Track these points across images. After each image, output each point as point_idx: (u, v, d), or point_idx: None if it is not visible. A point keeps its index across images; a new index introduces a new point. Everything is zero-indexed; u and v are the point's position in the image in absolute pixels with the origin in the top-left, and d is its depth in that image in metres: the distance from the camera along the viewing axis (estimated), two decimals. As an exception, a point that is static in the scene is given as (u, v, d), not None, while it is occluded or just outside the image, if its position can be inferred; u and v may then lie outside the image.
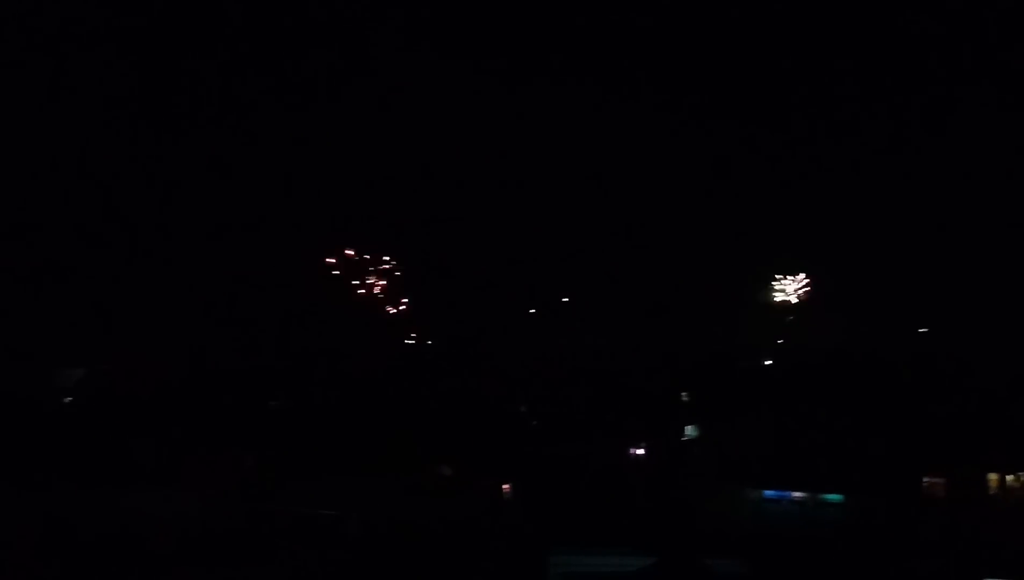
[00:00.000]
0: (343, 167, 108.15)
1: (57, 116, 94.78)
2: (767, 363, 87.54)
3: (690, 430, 64.45)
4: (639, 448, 60.82)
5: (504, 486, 54.50)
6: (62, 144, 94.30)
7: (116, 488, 49.34)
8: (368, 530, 47.77)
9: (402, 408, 63.53)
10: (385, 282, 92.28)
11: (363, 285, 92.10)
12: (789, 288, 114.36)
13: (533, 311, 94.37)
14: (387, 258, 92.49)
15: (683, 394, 71.42)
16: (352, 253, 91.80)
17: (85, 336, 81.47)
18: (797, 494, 51.83)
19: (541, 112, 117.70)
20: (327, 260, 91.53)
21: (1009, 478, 50.47)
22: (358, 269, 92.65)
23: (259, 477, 53.96)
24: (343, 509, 48.58)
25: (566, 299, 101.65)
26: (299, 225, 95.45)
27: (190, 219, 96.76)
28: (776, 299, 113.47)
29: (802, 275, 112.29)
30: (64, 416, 69.21)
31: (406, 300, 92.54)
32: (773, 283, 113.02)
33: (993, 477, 50.32)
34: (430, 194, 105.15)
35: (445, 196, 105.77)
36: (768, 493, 52.36)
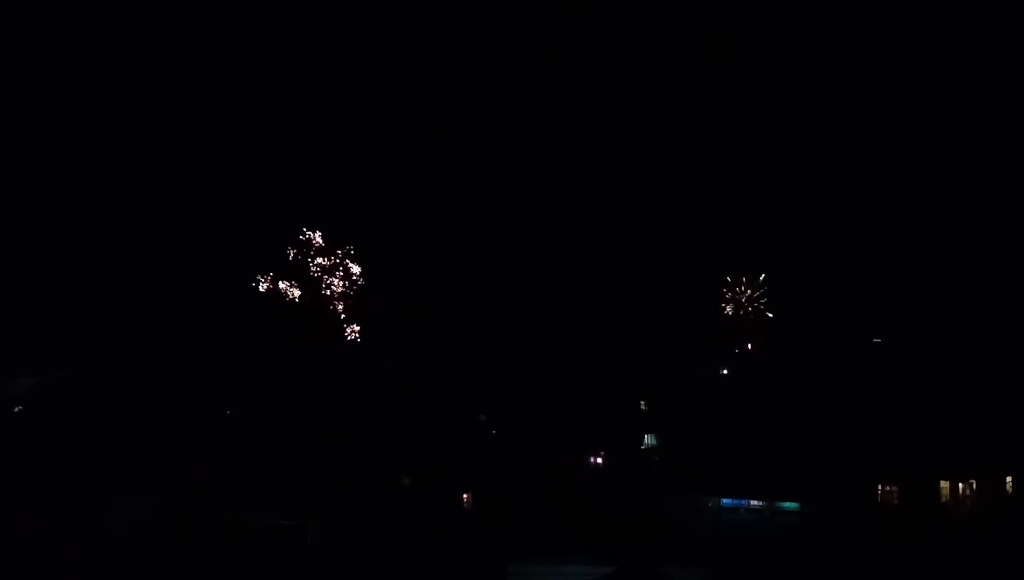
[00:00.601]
0: (306, 168, 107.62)
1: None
2: (724, 372, 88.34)
3: (649, 438, 64.75)
4: (598, 456, 60.97)
5: (464, 494, 54.36)
6: (17, 152, 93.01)
7: (69, 498, 48.48)
8: (327, 539, 47.39)
9: (361, 417, 63.15)
10: (345, 288, 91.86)
11: (322, 291, 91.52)
12: (744, 297, 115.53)
13: (493, 320, 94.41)
14: (347, 263, 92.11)
15: (642, 402, 71.78)
16: (310, 254, 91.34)
17: (37, 344, 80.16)
18: (754, 502, 52.22)
19: (500, 122, 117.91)
20: (287, 260, 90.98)
21: (961, 486, 51.32)
22: (317, 273, 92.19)
23: (216, 487, 53.30)
24: (302, 518, 48.13)
25: (525, 308, 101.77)
26: (260, 230, 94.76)
27: (145, 228, 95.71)
28: (732, 308, 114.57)
29: (758, 282, 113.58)
30: (14, 426, 67.99)
31: (364, 308, 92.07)
32: (729, 291, 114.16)
33: (945, 485, 51.09)
34: (392, 200, 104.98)
35: (407, 203, 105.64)
36: (726, 501, 52.70)
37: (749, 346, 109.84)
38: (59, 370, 76.47)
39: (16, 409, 72.77)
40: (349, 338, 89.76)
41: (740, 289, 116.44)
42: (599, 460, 60.84)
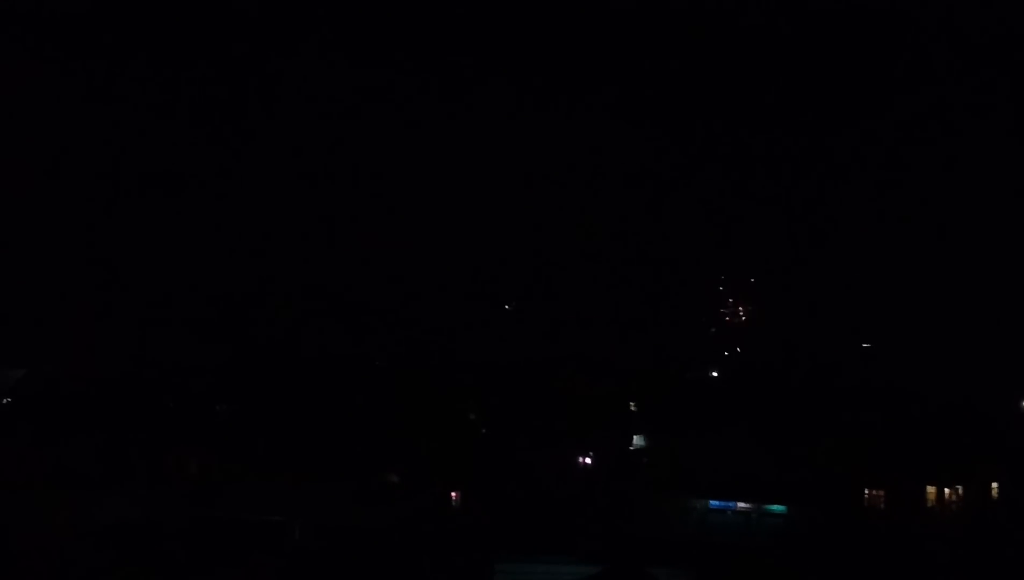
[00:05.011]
0: (296, 168, 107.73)
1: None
2: (713, 374, 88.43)
3: (638, 439, 64.79)
4: (587, 456, 60.96)
5: (452, 493, 54.36)
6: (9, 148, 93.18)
7: (57, 491, 48.35)
8: (314, 536, 47.34)
9: (349, 413, 63.07)
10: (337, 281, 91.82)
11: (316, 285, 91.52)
12: (734, 299, 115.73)
13: (483, 319, 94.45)
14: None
15: (631, 404, 71.79)
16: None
17: (25, 336, 79.97)
18: (742, 504, 52.36)
19: (486, 121, 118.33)
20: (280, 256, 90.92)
21: (947, 491, 51.49)
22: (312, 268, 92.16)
23: (203, 481, 53.19)
24: (288, 515, 48.08)
25: (513, 307, 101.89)
26: (242, 224, 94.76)
27: (130, 222, 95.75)
28: (722, 310, 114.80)
29: (748, 285, 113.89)
30: (1, 417, 67.75)
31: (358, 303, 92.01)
32: (719, 294, 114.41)
33: (932, 490, 51.26)
34: (384, 198, 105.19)
35: (400, 200, 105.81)
36: (714, 503, 52.83)
37: (738, 349, 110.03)
38: (47, 362, 76.27)
39: (4, 401, 72.52)
40: (340, 334, 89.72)
41: (731, 291, 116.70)
42: (588, 460, 60.85)
